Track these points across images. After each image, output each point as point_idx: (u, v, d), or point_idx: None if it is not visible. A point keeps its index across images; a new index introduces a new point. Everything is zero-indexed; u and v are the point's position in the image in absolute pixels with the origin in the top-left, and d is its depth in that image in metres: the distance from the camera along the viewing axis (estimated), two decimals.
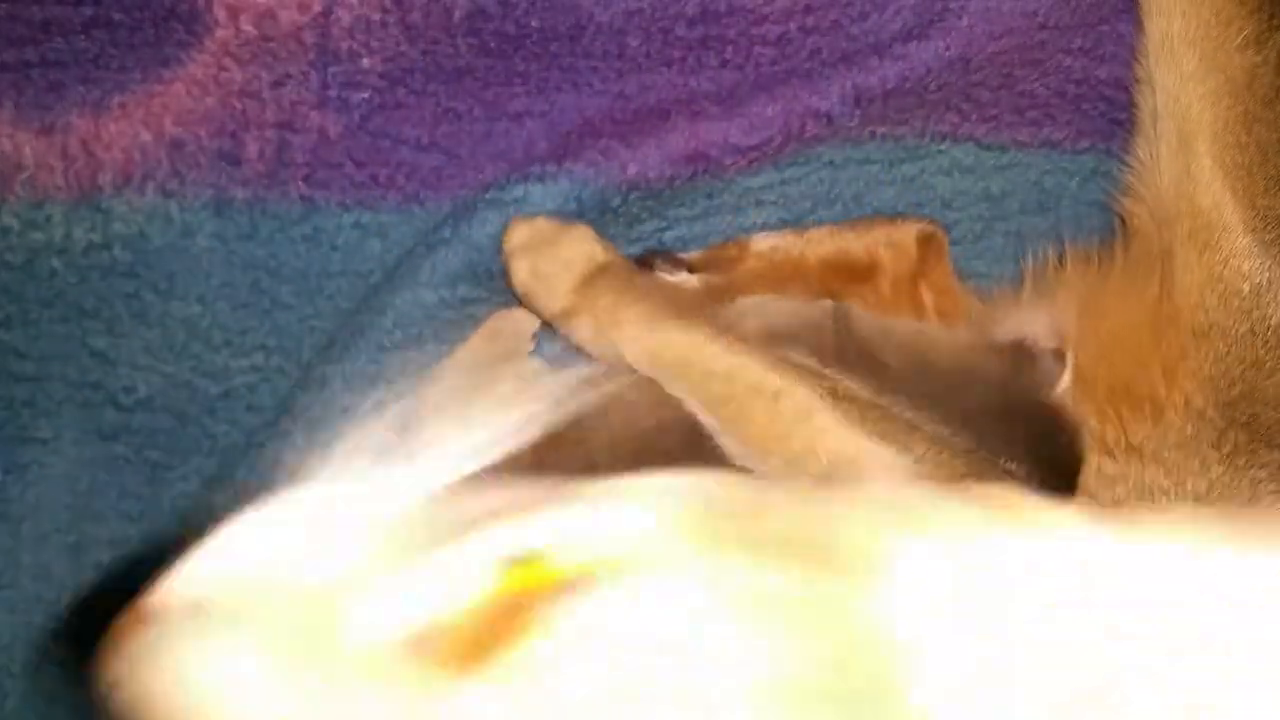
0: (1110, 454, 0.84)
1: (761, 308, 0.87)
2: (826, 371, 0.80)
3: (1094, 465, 0.84)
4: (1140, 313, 0.88)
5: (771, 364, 0.80)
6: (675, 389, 0.81)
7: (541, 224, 0.87)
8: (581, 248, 0.87)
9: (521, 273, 0.86)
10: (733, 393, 0.80)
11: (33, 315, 0.91)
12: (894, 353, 0.84)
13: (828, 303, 0.88)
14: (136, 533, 0.94)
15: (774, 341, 0.83)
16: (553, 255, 0.86)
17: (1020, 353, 0.87)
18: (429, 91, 0.91)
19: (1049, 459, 0.83)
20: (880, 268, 0.92)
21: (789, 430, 0.78)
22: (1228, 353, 0.85)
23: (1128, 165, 0.94)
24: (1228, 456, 0.84)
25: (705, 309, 0.86)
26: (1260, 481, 0.83)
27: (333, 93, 0.91)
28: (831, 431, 0.78)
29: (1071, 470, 0.83)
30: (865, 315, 0.86)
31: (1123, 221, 0.95)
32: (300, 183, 0.92)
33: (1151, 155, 0.90)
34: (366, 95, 0.91)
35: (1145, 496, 0.82)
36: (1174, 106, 0.88)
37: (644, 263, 0.91)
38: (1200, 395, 0.85)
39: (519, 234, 0.87)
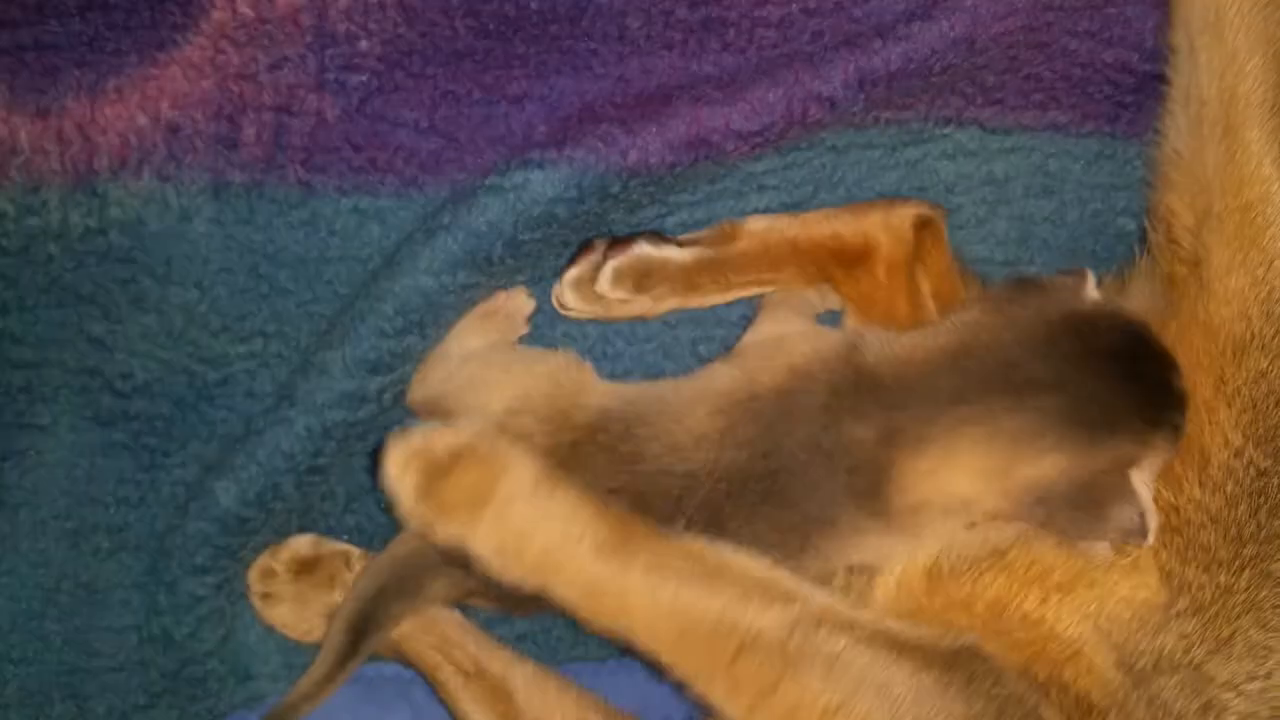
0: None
1: (781, 345, 0.85)
2: None
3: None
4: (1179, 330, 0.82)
5: None
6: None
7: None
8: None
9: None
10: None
11: (29, 301, 0.91)
12: (915, 365, 0.79)
13: (839, 334, 0.85)
14: (135, 519, 0.94)
15: (794, 376, 0.81)
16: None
17: (1032, 283, 0.82)
18: (427, 74, 0.90)
19: (1142, 371, 0.78)
20: (876, 252, 0.90)
21: None
22: (1269, 369, 0.79)
23: (1161, 154, 0.88)
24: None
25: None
26: None
27: (330, 75, 0.90)
28: None
29: (1169, 384, 0.77)
30: (873, 339, 0.82)
31: (1151, 226, 0.89)
32: (298, 167, 0.91)
33: (1188, 142, 0.84)
34: (364, 78, 0.90)
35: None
36: (1219, 85, 0.82)
37: (626, 240, 0.90)
38: (1239, 432, 0.78)
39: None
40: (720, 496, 0.79)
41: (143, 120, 0.90)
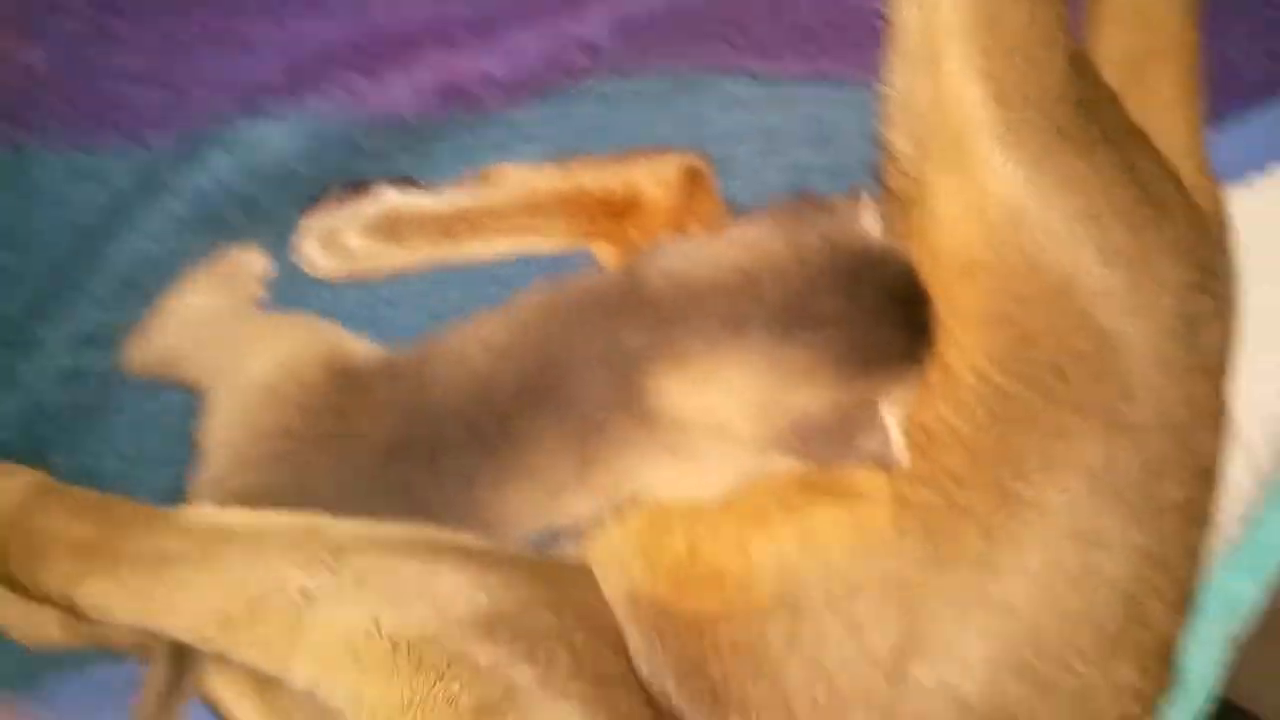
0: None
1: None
2: None
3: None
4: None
5: None
6: None
7: None
8: None
9: None
10: None
11: None
12: (696, 284, 0.78)
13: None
14: None
15: (584, 291, 0.79)
16: None
17: (817, 203, 0.82)
18: (145, 18, 0.83)
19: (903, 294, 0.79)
20: (645, 202, 0.88)
21: None
22: (996, 290, 0.79)
23: (885, 93, 0.87)
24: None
25: None
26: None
27: (36, 23, 0.82)
28: None
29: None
30: (669, 250, 0.80)
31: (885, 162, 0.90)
32: (4, 124, 0.82)
33: (901, 77, 0.84)
34: (75, 25, 0.82)
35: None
36: (918, 15, 0.82)
37: (366, 185, 0.84)
38: (980, 354, 0.79)
39: None
40: (508, 408, 0.78)
41: None
